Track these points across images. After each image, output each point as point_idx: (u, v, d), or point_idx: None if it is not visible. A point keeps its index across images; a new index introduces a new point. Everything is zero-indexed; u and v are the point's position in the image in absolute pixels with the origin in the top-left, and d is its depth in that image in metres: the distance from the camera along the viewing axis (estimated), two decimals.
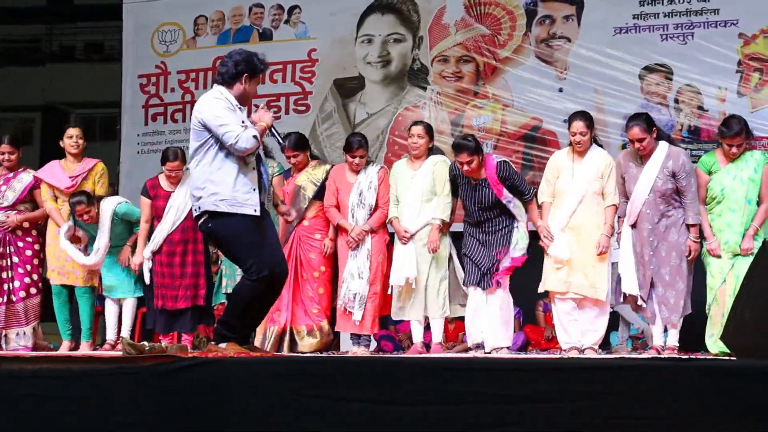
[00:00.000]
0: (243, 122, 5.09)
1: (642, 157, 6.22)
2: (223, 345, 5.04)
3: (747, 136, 6.14)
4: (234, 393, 3.92)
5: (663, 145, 6.20)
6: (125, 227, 7.17)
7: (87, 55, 19.29)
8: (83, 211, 6.94)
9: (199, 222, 5.15)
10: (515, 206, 6.34)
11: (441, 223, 6.49)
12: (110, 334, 7.21)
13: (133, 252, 7.14)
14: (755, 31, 8.38)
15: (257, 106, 5.51)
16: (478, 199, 6.35)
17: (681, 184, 6.12)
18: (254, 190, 5.11)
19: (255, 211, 5.07)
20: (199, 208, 5.07)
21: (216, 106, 5.03)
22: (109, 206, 7.08)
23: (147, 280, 6.99)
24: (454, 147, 6.38)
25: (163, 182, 7.10)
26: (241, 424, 3.88)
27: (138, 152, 10.14)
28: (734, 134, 6.09)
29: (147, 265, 6.98)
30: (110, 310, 7.23)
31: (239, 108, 5.15)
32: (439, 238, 6.46)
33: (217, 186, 5.00)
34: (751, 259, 5.79)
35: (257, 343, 6.84)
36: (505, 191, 6.31)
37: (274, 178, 6.89)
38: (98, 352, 6.83)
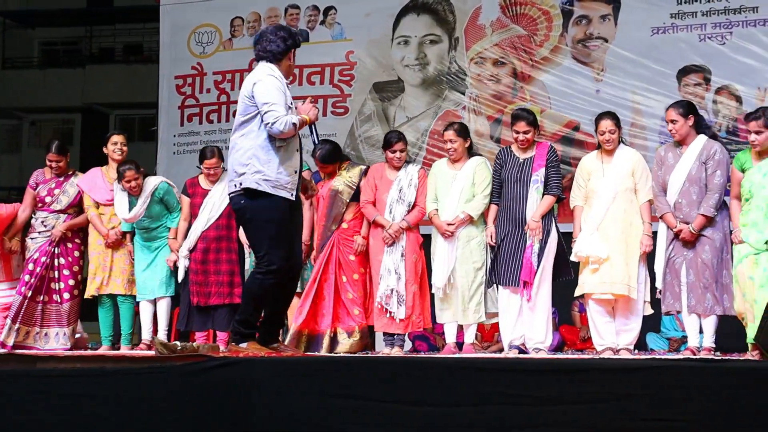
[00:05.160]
0: (289, 105, 5.12)
1: (680, 148, 6.21)
2: (243, 345, 5.01)
3: None
4: (263, 392, 3.94)
5: (701, 137, 6.20)
6: (162, 209, 7.22)
7: (125, 57, 19.49)
8: (132, 178, 7.02)
9: (233, 196, 5.11)
10: (537, 189, 6.34)
11: (466, 217, 6.49)
12: (146, 334, 7.27)
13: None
14: None
15: (306, 99, 5.50)
16: (520, 177, 6.38)
17: (708, 172, 6.10)
18: (296, 173, 5.12)
19: (292, 195, 5.09)
20: (240, 184, 5.02)
21: (270, 84, 5.04)
22: (154, 181, 7.24)
23: (180, 278, 7.05)
24: (513, 116, 6.54)
25: (202, 181, 7.20)
26: (270, 423, 3.90)
27: (174, 153, 10.23)
28: (752, 117, 5.98)
29: (183, 263, 7.04)
30: (145, 310, 7.28)
31: (288, 85, 5.21)
32: (458, 227, 6.47)
33: (262, 164, 4.98)
34: None
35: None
36: (542, 171, 6.35)
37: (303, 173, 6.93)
38: (131, 352, 6.89)
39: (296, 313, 6.73)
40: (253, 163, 4.97)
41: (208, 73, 10.32)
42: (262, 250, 5.02)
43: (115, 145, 7.35)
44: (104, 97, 18.99)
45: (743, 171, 6.07)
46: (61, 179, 7.34)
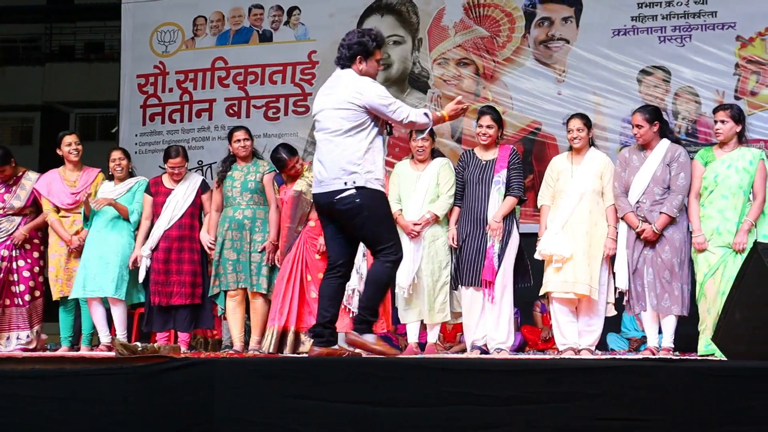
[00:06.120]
0: None
1: (645, 151, 6.30)
2: (370, 338, 5.06)
3: (736, 121, 6.18)
4: (225, 394, 3.91)
5: (665, 140, 6.31)
6: (127, 203, 7.19)
7: (86, 55, 19.30)
8: (119, 158, 7.16)
9: (344, 195, 5.07)
10: (499, 190, 6.39)
11: (432, 217, 6.52)
12: (102, 337, 7.18)
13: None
14: (752, 33, 8.41)
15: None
16: (482, 179, 6.44)
17: (672, 174, 6.21)
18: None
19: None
20: (353, 182, 5.05)
21: (378, 88, 5.11)
22: (138, 177, 7.33)
23: (142, 278, 7.00)
24: (481, 111, 6.64)
25: (166, 180, 7.18)
26: (232, 424, 3.88)
27: (136, 152, 10.12)
28: (721, 108, 6.29)
29: (145, 263, 6.99)
30: (97, 312, 7.15)
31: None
32: (424, 227, 6.50)
33: (371, 165, 5.07)
34: (740, 257, 5.89)
35: (253, 343, 6.85)
36: (504, 172, 6.41)
37: (265, 176, 6.93)
38: (91, 353, 6.83)
39: (277, 315, 6.70)
40: (363, 163, 5.05)
41: (171, 73, 10.25)
42: (386, 242, 5.11)
43: (69, 146, 7.29)
44: (64, 96, 18.80)
45: (706, 165, 6.21)
46: (10, 183, 7.27)
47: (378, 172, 5.08)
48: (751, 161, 6.14)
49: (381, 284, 5.14)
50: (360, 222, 5.08)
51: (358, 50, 5.11)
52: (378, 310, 5.20)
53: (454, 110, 5.23)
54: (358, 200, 5.02)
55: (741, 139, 6.22)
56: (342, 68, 5.18)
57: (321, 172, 5.11)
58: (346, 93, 5.06)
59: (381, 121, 5.12)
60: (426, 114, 5.13)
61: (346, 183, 5.04)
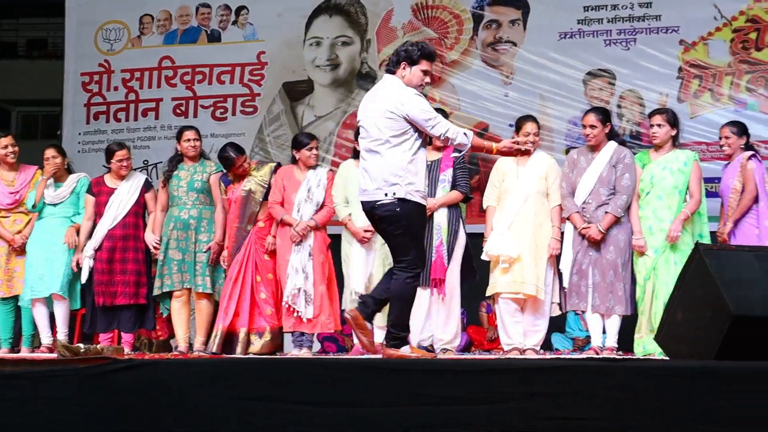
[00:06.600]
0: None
1: (592, 153, 6.39)
2: (406, 350, 5.18)
3: (671, 125, 6.35)
4: (170, 395, 3.88)
5: (612, 142, 6.42)
6: (74, 205, 7.11)
7: (29, 52, 18.98)
8: (52, 156, 7.08)
9: (383, 202, 5.14)
10: (444, 189, 6.42)
11: None
12: (44, 338, 7.09)
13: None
14: (695, 38, 8.54)
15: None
16: (429, 179, 6.42)
17: (617, 175, 6.30)
18: (427, 186, 5.37)
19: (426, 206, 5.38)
20: (394, 193, 5.11)
21: (420, 101, 5.14)
22: (78, 174, 7.25)
23: (84, 278, 6.92)
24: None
25: (108, 180, 7.10)
26: (178, 426, 3.84)
27: (79, 151, 10.00)
28: (656, 112, 6.46)
29: (87, 263, 6.92)
30: (40, 312, 7.08)
31: None
32: (374, 232, 6.50)
33: (413, 176, 5.12)
34: (673, 260, 6.06)
35: (197, 344, 6.81)
36: (449, 171, 6.43)
37: (212, 176, 6.91)
38: (32, 355, 6.75)
39: (222, 314, 6.68)
40: (405, 175, 5.11)
41: (116, 71, 10.13)
42: (409, 255, 5.16)
43: (6, 149, 7.21)
44: (6, 93, 18.42)
45: (644, 168, 6.36)
46: None
47: (419, 183, 5.15)
48: (685, 162, 6.30)
49: (405, 300, 5.22)
50: (393, 230, 5.20)
51: (403, 56, 5.22)
52: (408, 325, 5.28)
53: (507, 148, 5.26)
54: (398, 209, 5.12)
55: (675, 142, 6.37)
56: (387, 72, 5.31)
57: (365, 182, 5.23)
58: (388, 102, 5.14)
59: (423, 133, 5.20)
60: (466, 134, 5.19)
61: (386, 194, 5.13)
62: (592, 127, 6.36)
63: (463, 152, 5.60)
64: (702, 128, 8.35)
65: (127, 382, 3.93)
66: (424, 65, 5.21)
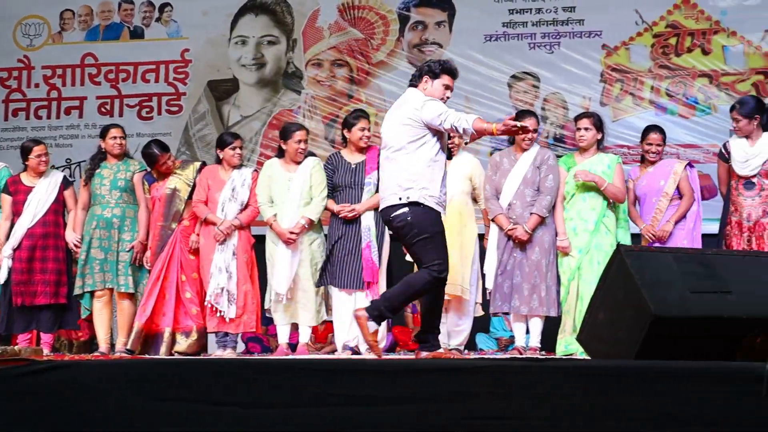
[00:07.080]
0: None
1: (515, 154, 6.48)
2: (426, 353, 5.25)
3: (597, 129, 6.51)
4: (91, 397, 3.81)
5: (536, 145, 6.57)
6: None
7: None
8: None
9: (398, 213, 5.18)
10: (369, 191, 6.43)
11: (307, 222, 6.50)
12: None
13: None
14: (617, 42, 8.69)
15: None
16: (354, 182, 6.49)
17: (541, 176, 6.39)
18: (445, 193, 5.32)
19: (444, 212, 5.33)
20: (408, 198, 5.14)
21: (435, 103, 5.17)
22: None
23: (2, 279, 6.78)
24: (355, 116, 6.68)
25: (25, 178, 6.99)
26: (98, 428, 3.78)
27: None
28: (583, 116, 6.62)
29: (6, 263, 6.79)
30: None
31: None
32: (299, 233, 6.48)
33: (428, 182, 5.14)
34: (597, 261, 6.18)
35: (119, 345, 6.73)
36: (374, 174, 6.44)
37: (135, 175, 6.86)
38: None
39: (140, 311, 6.61)
40: (419, 180, 5.14)
41: (37, 67, 9.92)
42: (431, 261, 5.18)
43: None
44: None
45: (568, 171, 6.46)
46: None
47: (434, 189, 5.16)
48: (609, 165, 6.46)
49: (412, 288, 5.26)
50: (410, 240, 5.24)
51: (426, 71, 5.30)
52: (397, 308, 5.34)
53: (506, 126, 5.19)
54: (409, 218, 5.15)
55: (600, 145, 6.51)
56: (410, 86, 5.37)
57: (382, 189, 5.32)
58: (406, 109, 5.21)
59: (443, 138, 5.23)
60: (467, 120, 5.16)
61: (400, 198, 5.17)
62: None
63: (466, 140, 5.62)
64: (623, 131, 8.51)
65: (46, 385, 3.85)
66: (445, 80, 5.30)
